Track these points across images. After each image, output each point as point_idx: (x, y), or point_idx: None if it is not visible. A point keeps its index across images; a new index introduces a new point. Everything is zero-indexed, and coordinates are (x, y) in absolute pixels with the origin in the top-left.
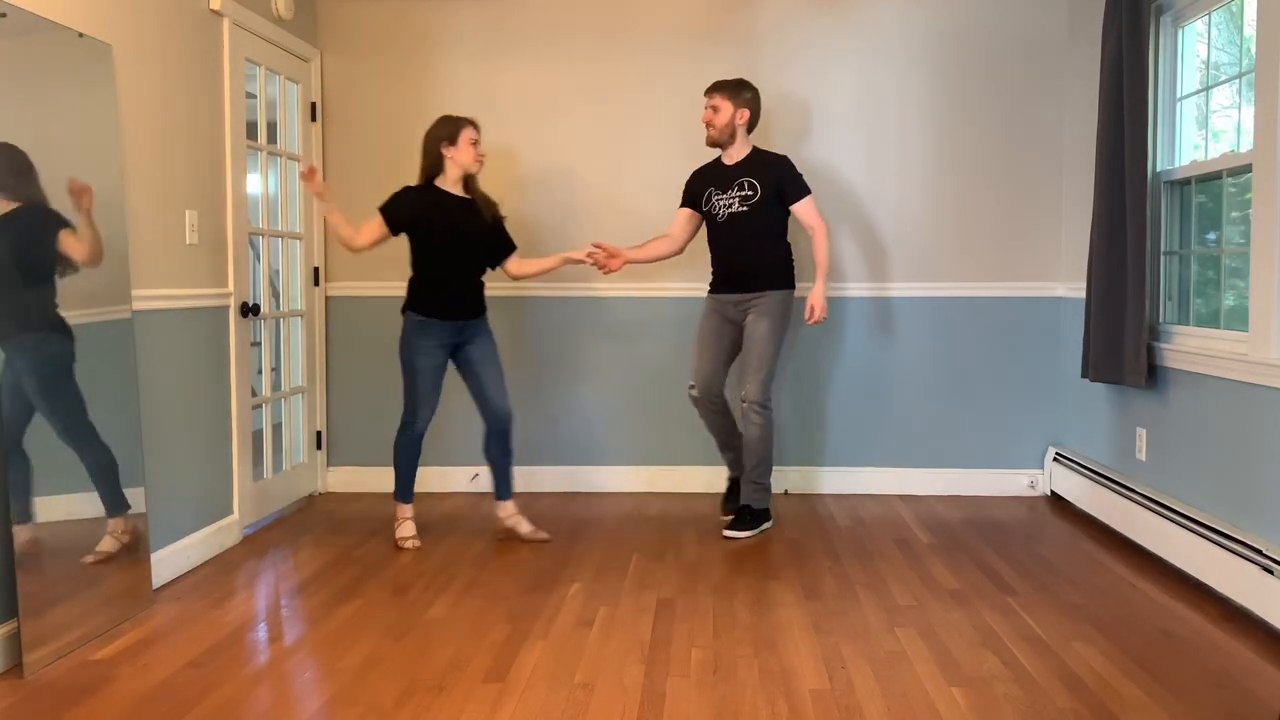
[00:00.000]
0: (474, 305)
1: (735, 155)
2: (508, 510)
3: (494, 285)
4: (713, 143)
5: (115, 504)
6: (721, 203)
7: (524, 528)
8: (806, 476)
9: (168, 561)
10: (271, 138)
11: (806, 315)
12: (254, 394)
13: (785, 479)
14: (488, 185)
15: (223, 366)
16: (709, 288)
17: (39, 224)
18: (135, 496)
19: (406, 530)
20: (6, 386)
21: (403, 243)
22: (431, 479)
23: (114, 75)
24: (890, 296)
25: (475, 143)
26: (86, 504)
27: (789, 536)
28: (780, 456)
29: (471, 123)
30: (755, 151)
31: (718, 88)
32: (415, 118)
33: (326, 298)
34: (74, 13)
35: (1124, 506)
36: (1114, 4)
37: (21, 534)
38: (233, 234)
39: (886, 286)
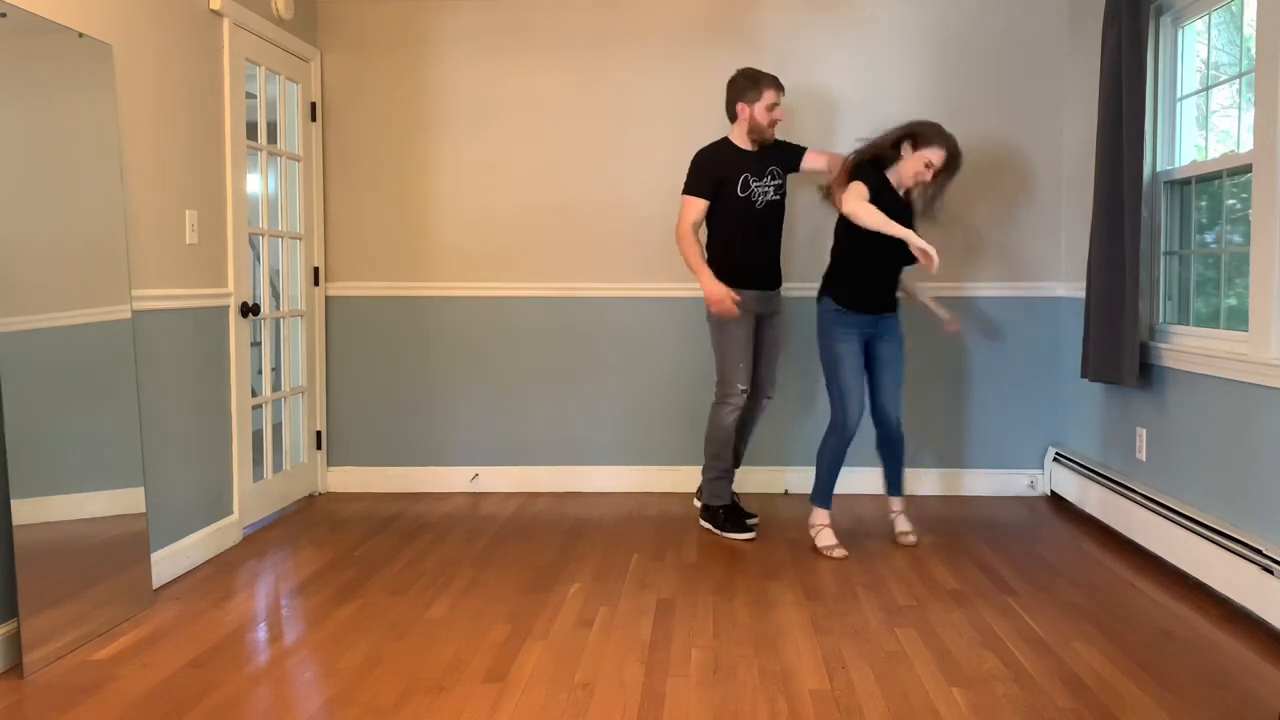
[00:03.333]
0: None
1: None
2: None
3: (490, 286)
4: (772, 140)
5: None
6: (760, 189)
7: (901, 526)
8: (806, 476)
9: (168, 561)
10: (271, 138)
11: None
12: (254, 394)
13: (785, 479)
14: (487, 185)
15: (223, 366)
16: (737, 282)
17: None
18: (135, 496)
19: (826, 539)
20: None
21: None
22: (431, 479)
23: (114, 75)
24: None
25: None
26: (87, 504)
27: (789, 536)
28: (780, 456)
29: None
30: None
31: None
32: (415, 118)
33: (326, 298)
34: (74, 13)
35: (1124, 506)
36: (1114, 4)
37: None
38: (233, 234)
39: None
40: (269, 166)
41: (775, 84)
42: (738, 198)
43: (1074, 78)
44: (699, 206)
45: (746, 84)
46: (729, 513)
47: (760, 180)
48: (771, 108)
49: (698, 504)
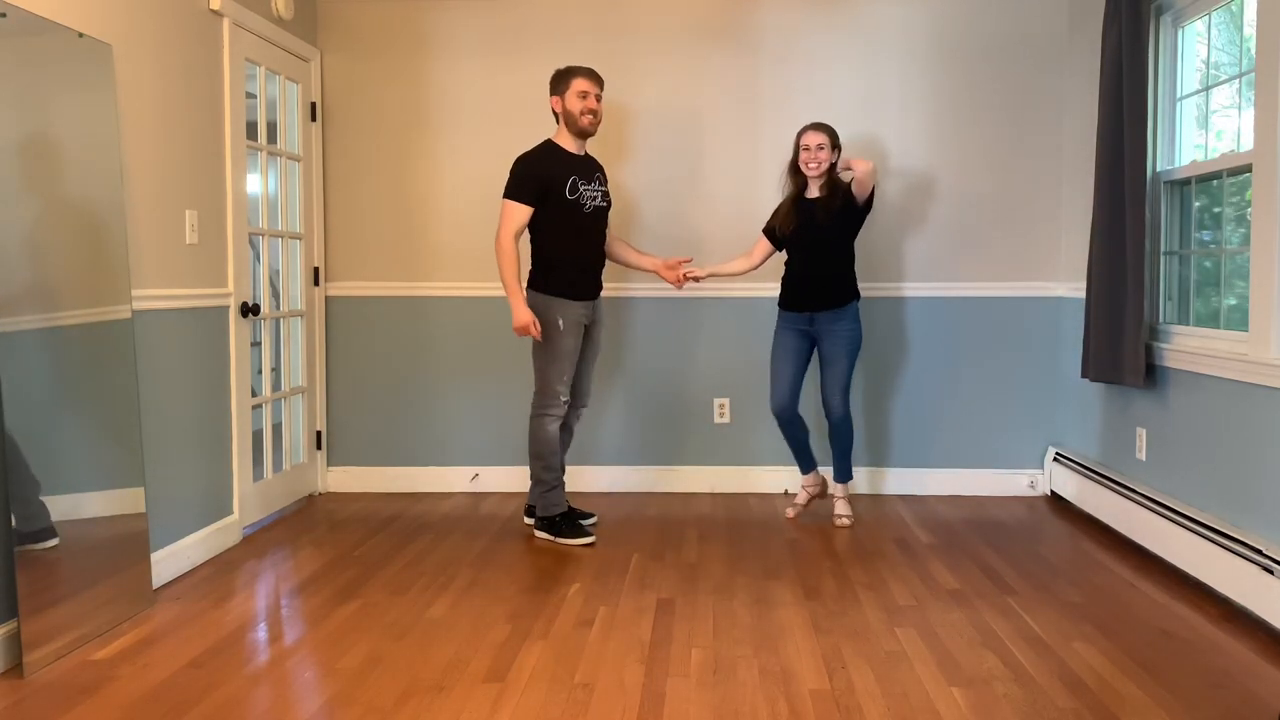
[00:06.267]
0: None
1: (584, 147)
2: (834, 490)
3: (490, 286)
4: (592, 133)
5: None
6: (588, 193)
7: (837, 508)
8: None
9: (168, 561)
10: (271, 138)
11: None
12: (254, 394)
13: (784, 479)
14: (487, 185)
15: (223, 366)
16: (566, 293)
17: None
18: (135, 496)
19: (843, 509)
20: None
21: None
22: (431, 479)
23: (114, 75)
24: (890, 296)
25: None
26: (87, 504)
27: (789, 536)
28: (780, 457)
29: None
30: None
31: (600, 82)
32: (415, 118)
33: (326, 298)
34: (74, 13)
35: (1124, 506)
36: (1114, 4)
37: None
38: (233, 234)
39: (886, 286)
40: (269, 166)
41: (587, 73)
42: (566, 200)
43: (1074, 78)
44: (523, 213)
45: (556, 78)
46: (566, 520)
47: (588, 183)
48: (584, 95)
49: (529, 521)
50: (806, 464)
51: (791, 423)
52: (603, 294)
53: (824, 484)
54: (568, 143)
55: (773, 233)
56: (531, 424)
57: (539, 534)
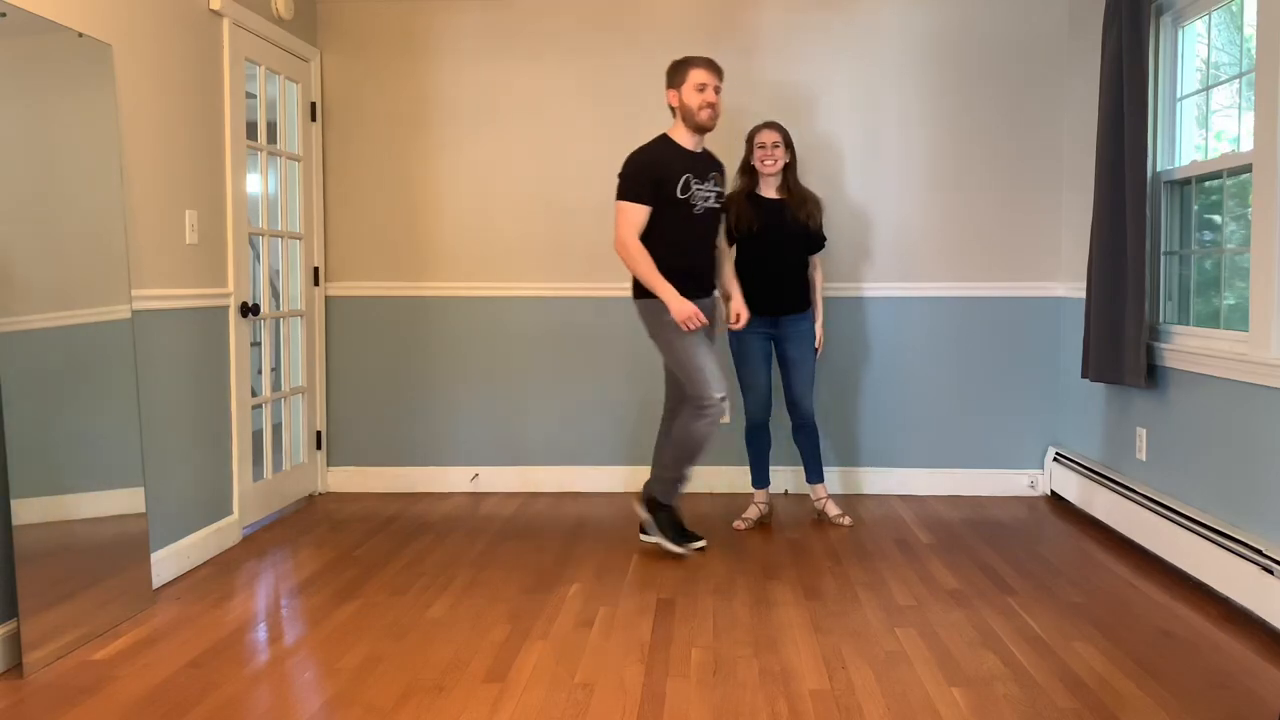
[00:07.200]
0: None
1: (701, 143)
2: (819, 493)
3: (490, 286)
4: (710, 127)
5: None
6: (700, 194)
7: (832, 510)
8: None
9: (168, 561)
10: (271, 138)
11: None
12: (254, 394)
13: (785, 479)
14: (487, 185)
15: (223, 366)
16: (679, 292)
17: None
18: (135, 496)
19: (750, 513)
20: None
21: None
22: (431, 479)
23: (114, 75)
24: (890, 297)
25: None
26: (87, 504)
27: (789, 536)
28: (779, 457)
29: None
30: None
31: (720, 72)
32: (415, 118)
33: (326, 298)
34: (74, 13)
35: (1124, 506)
36: (1114, 4)
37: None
38: (233, 234)
39: (886, 287)
40: (269, 166)
41: (706, 64)
42: (676, 200)
43: (1074, 78)
44: (640, 213)
45: (671, 70)
46: (670, 517)
47: (702, 183)
48: (702, 88)
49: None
50: (765, 477)
51: (766, 430)
52: (608, 294)
53: (771, 507)
54: (684, 138)
55: (728, 231)
56: (687, 425)
57: (640, 511)
